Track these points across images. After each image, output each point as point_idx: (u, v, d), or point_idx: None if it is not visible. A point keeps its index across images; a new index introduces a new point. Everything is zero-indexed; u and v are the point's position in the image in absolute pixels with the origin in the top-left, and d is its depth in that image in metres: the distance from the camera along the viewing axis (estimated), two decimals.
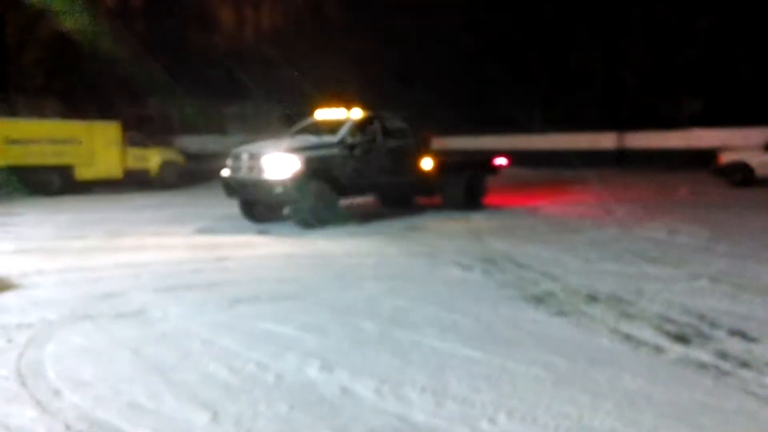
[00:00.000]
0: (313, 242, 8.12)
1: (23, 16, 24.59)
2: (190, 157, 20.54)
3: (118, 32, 25.50)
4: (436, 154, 10.99)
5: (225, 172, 9.80)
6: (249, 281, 5.93)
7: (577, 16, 22.77)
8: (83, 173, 17.00)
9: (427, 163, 10.66)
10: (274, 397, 3.24)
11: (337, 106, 10.55)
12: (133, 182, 17.66)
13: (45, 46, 25.66)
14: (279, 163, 9.02)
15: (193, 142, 24.52)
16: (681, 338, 3.99)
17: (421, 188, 11.07)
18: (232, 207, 10.39)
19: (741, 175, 14.31)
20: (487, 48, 22.79)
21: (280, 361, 3.72)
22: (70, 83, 24.56)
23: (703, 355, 3.71)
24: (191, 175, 19.54)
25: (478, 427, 2.85)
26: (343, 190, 9.65)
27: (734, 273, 5.73)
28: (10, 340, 4.14)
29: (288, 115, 11.96)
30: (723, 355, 3.70)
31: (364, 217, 10.33)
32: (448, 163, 11.01)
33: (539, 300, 4.97)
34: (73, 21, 23.75)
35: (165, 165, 18.65)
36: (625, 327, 4.23)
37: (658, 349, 3.82)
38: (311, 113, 11.07)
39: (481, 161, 11.83)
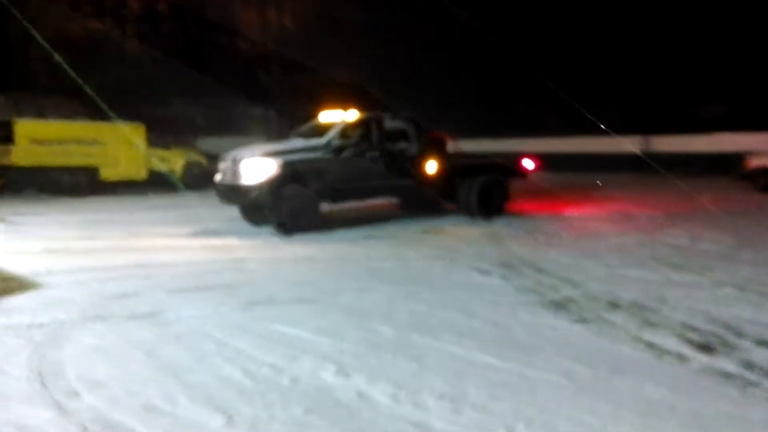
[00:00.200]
0: (329, 245, 8.10)
1: (51, 18, 25.03)
2: (212, 159, 20.70)
3: (144, 34, 25.85)
4: (448, 157, 10.60)
5: (217, 177, 9.83)
6: (265, 283, 5.92)
7: (598, 17, 22.55)
8: (107, 174, 17.20)
9: (431, 167, 10.18)
10: (290, 400, 3.20)
11: (341, 108, 10.35)
12: (157, 183, 17.81)
13: (72, 48, 26.05)
14: (255, 167, 9.00)
15: (216, 144, 24.72)
16: (705, 347, 3.89)
17: (427, 193, 10.57)
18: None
19: (765, 181, 14.01)
20: (509, 50, 22.67)
21: (295, 364, 3.69)
22: (95, 85, 24.91)
23: (728, 365, 3.60)
24: (212, 177, 19.66)
25: None
26: (328, 194, 9.45)
27: (759, 281, 5.58)
28: (27, 340, 4.16)
29: (299, 117, 11.73)
30: (749, 365, 3.59)
31: (381, 220, 10.28)
32: (458, 166, 10.53)
33: (560, 306, 4.88)
34: (100, 23, 24.13)
35: (188, 166, 18.80)
36: (648, 335, 4.13)
37: (682, 358, 3.73)
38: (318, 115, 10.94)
39: (499, 164, 11.00)
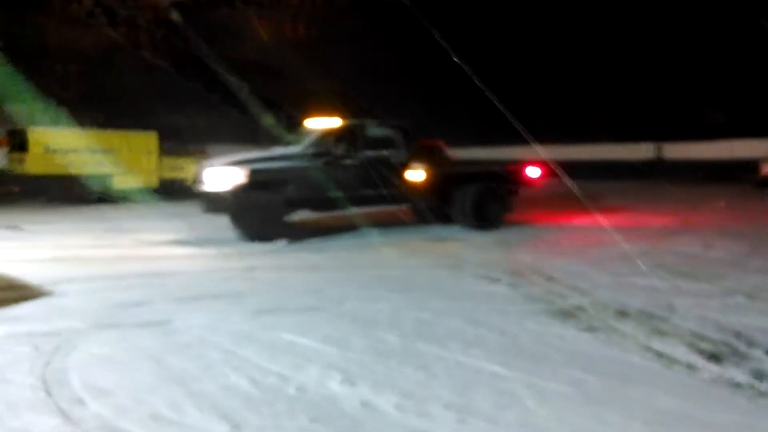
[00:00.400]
0: (336, 252, 8.12)
1: (63, 28, 25.34)
2: None
3: (156, 43, 26.08)
4: (443, 166, 10.30)
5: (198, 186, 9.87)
6: (272, 291, 5.93)
7: (609, 23, 22.52)
8: (120, 182, 17.34)
9: (417, 175, 9.83)
10: (296, 410, 3.20)
11: (327, 115, 10.23)
12: (169, 191, 17.89)
13: (84, 57, 26.34)
14: (221, 175, 9.11)
15: (228, 153, 24.81)
16: (715, 357, 3.85)
17: (417, 203, 10.24)
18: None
19: None
20: (521, 57, 22.67)
21: (301, 373, 3.69)
22: (108, 94, 25.16)
23: (739, 375, 3.56)
24: None
25: None
26: (300, 203, 9.41)
27: None
28: (36, 348, 4.18)
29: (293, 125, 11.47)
30: (759, 375, 3.54)
31: (388, 227, 10.26)
32: (452, 175, 10.18)
33: (567, 315, 4.85)
34: (112, 32, 24.39)
35: None
36: (657, 344, 4.09)
37: (692, 368, 3.69)
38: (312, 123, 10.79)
39: (496, 172, 10.53)
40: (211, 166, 9.43)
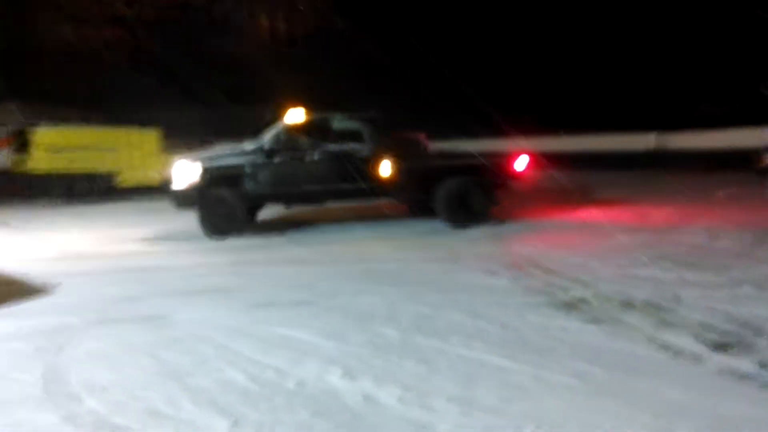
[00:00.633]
0: (327, 246, 8.07)
1: (62, 27, 25.27)
2: None
3: (156, 40, 25.97)
4: (421, 159, 9.85)
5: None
6: (268, 285, 5.88)
7: (603, 10, 22.36)
8: (123, 180, 17.32)
9: (384, 169, 9.33)
10: (295, 404, 3.15)
11: (298, 109, 9.81)
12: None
13: (85, 55, 26.27)
14: (182, 171, 9.22)
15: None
16: (722, 347, 3.78)
17: (388, 196, 9.73)
18: (262, 212, 10.41)
19: None
20: (514, 45, 22.50)
21: (300, 367, 3.63)
22: (108, 92, 25.10)
23: (746, 365, 3.49)
24: None
25: None
26: (259, 198, 9.38)
27: None
28: (33, 345, 4.14)
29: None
30: (767, 365, 3.48)
31: (380, 221, 10.16)
32: (427, 169, 9.58)
33: (570, 307, 4.78)
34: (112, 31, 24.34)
35: None
36: (663, 335, 4.02)
37: (698, 359, 3.62)
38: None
39: (478, 166, 9.69)
40: (177, 162, 9.49)
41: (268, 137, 9.41)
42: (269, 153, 9.28)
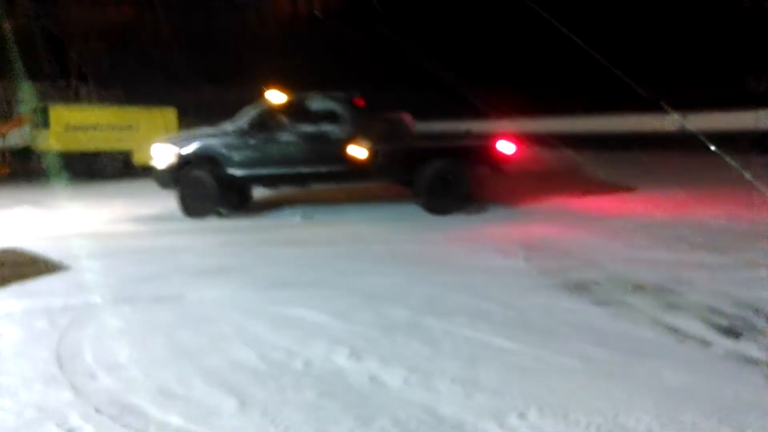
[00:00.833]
0: (348, 227, 8.11)
1: (85, 5, 25.36)
2: None
3: (176, 20, 25.99)
4: (404, 140, 9.49)
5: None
6: (285, 265, 5.97)
7: None
8: (140, 159, 17.50)
9: (358, 152, 8.99)
10: (302, 384, 3.22)
11: (282, 90, 9.71)
12: None
13: (105, 34, 26.39)
14: (161, 153, 9.44)
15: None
16: (730, 331, 3.77)
17: (364, 179, 9.47)
18: (277, 191, 10.49)
19: None
20: (528, 23, 22.01)
21: (309, 347, 3.70)
22: (129, 71, 25.23)
23: (753, 350, 3.49)
24: None
25: (506, 423, 2.75)
26: (234, 180, 9.35)
27: None
28: (53, 323, 4.26)
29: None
30: None
31: (396, 202, 10.16)
32: (405, 151, 9.17)
33: (580, 288, 4.79)
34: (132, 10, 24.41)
35: None
36: (670, 318, 4.02)
37: (705, 343, 3.62)
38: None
39: (456, 149, 9.21)
40: (157, 143, 9.71)
41: (244, 118, 9.41)
42: (244, 134, 9.30)
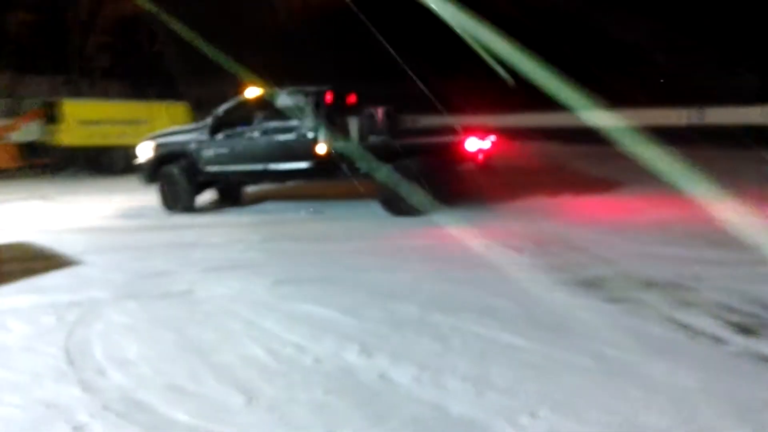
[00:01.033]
0: (357, 223, 8.07)
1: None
2: None
3: (183, 14, 25.90)
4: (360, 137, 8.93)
5: None
6: (294, 261, 5.95)
7: None
8: None
9: (320, 148, 8.67)
10: (311, 381, 3.19)
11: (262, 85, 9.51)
12: None
13: (109, 28, 26.38)
14: (142, 149, 9.81)
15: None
16: (744, 329, 3.71)
17: (328, 178, 9.11)
18: (283, 186, 10.46)
19: None
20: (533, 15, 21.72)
21: (318, 344, 3.68)
22: (134, 65, 25.23)
23: None
24: None
25: (518, 422, 2.71)
26: (202, 177, 9.43)
27: None
28: (61, 319, 4.26)
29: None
30: None
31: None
32: (357, 148, 8.62)
33: (591, 285, 4.74)
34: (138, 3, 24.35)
35: None
36: (683, 315, 3.97)
37: (719, 341, 3.57)
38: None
39: (417, 146, 8.55)
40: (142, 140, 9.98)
41: (214, 115, 9.39)
42: (212, 130, 9.29)
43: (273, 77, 9.86)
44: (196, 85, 23.08)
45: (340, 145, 8.66)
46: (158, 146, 9.66)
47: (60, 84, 22.06)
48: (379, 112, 8.96)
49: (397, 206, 8.27)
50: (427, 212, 8.02)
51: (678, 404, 2.83)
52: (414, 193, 8.03)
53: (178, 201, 9.41)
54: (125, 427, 2.77)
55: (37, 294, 4.88)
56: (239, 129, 9.20)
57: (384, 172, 8.28)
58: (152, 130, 17.56)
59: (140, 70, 24.31)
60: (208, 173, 9.39)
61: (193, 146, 9.36)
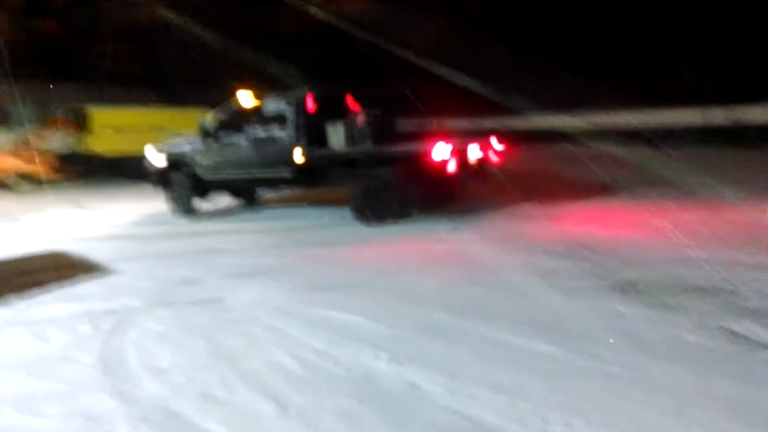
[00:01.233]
0: (383, 229, 8.07)
1: (111, 7, 25.76)
2: None
3: (199, 20, 26.21)
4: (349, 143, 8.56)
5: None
6: (324, 266, 5.98)
7: None
8: None
9: (296, 156, 8.55)
10: (340, 390, 3.21)
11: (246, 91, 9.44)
12: None
13: (129, 35, 26.76)
14: (150, 156, 10.22)
15: None
16: None
17: (309, 186, 9.14)
18: (307, 192, 10.53)
19: None
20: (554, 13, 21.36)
21: (348, 351, 3.70)
22: (154, 72, 25.55)
23: None
24: None
25: None
26: (202, 184, 9.68)
27: None
28: (96, 327, 4.35)
29: None
30: None
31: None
32: (335, 158, 8.50)
33: (622, 290, 4.68)
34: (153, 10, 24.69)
35: None
36: (717, 321, 3.90)
37: (754, 347, 3.50)
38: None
39: (383, 156, 8.17)
40: (147, 147, 10.43)
41: (211, 123, 9.51)
42: (205, 138, 9.46)
43: (291, 80, 10.09)
44: (215, 90, 23.31)
45: (318, 152, 8.55)
46: (167, 154, 10.07)
47: (82, 90, 22.45)
48: (360, 118, 8.54)
49: (365, 214, 8.11)
50: (398, 221, 7.95)
51: (710, 414, 2.78)
52: (388, 202, 7.96)
53: (181, 207, 9.83)
54: None
55: (73, 302, 5.00)
56: (229, 136, 9.35)
57: (358, 181, 8.14)
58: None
59: (159, 76, 24.63)
60: (203, 181, 9.70)
61: (192, 154, 9.66)
